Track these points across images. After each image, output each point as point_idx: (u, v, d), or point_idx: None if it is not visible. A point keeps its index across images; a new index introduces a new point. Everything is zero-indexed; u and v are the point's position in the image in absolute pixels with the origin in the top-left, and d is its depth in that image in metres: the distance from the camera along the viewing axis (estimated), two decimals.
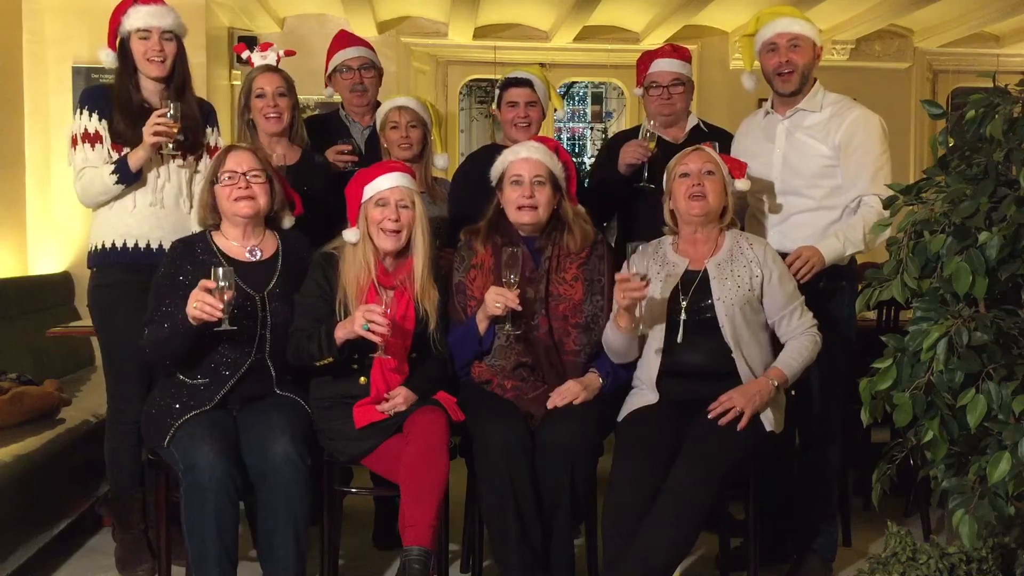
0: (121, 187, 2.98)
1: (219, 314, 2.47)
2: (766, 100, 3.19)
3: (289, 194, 2.94)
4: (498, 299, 2.69)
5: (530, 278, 2.87)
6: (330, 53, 3.70)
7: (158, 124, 2.87)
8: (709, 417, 2.64)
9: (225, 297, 2.47)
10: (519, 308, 2.69)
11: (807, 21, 3.05)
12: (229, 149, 2.82)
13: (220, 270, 2.48)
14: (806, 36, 3.01)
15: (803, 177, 3.00)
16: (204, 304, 2.46)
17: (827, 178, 2.98)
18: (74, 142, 3.04)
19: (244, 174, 2.75)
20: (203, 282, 2.49)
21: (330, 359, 2.67)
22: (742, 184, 2.89)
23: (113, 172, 2.95)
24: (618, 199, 3.42)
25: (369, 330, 2.56)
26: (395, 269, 2.84)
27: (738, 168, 2.90)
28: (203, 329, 2.55)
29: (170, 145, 2.93)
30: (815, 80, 3.06)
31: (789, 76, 3.00)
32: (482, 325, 2.80)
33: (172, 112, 2.89)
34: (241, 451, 2.66)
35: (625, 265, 2.83)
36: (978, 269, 1.77)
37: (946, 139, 1.98)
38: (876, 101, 3.12)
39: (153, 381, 2.96)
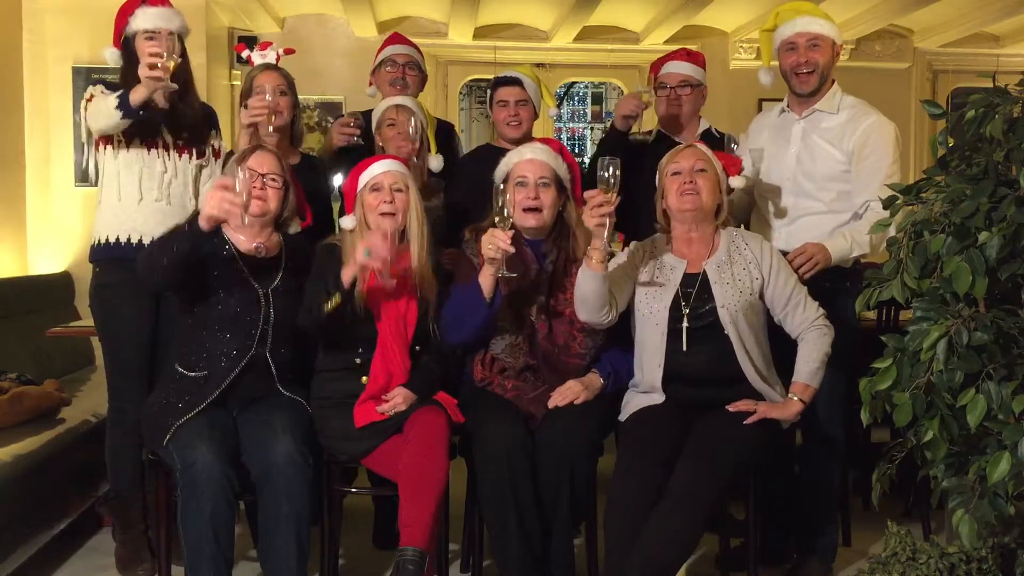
0: (125, 122, 2.89)
1: (238, 209, 2.47)
2: (766, 101, 3.18)
3: (302, 204, 2.95)
4: (491, 242, 2.64)
5: (534, 281, 2.86)
6: (380, 49, 3.74)
7: (151, 56, 2.76)
8: (731, 410, 2.66)
9: (244, 196, 2.49)
10: (512, 250, 2.64)
11: (827, 20, 3.02)
12: (255, 148, 2.83)
13: (238, 169, 2.50)
14: (826, 36, 2.99)
15: (815, 180, 2.99)
16: (224, 200, 2.45)
17: (839, 182, 2.97)
18: (91, 97, 3.01)
19: (262, 176, 2.77)
20: (220, 180, 2.48)
21: (338, 297, 2.65)
22: (737, 181, 2.88)
23: (118, 107, 2.85)
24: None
25: (371, 256, 2.57)
26: (395, 260, 2.85)
27: (733, 165, 2.88)
28: (206, 239, 2.57)
29: (167, 81, 2.80)
30: (833, 81, 3.05)
31: (808, 76, 2.98)
32: (485, 279, 2.72)
33: (166, 55, 2.77)
34: (242, 451, 2.66)
35: (628, 252, 2.88)
36: (978, 269, 1.77)
37: (946, 139, 1.98)
38: (876, 101, 3.10)
39: (154, 382, 2.96)
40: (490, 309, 2.74)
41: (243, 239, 2.82)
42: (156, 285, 2.72)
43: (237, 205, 2.46)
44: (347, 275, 2.66)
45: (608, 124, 3.38)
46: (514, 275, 2.73)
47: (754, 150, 3.13)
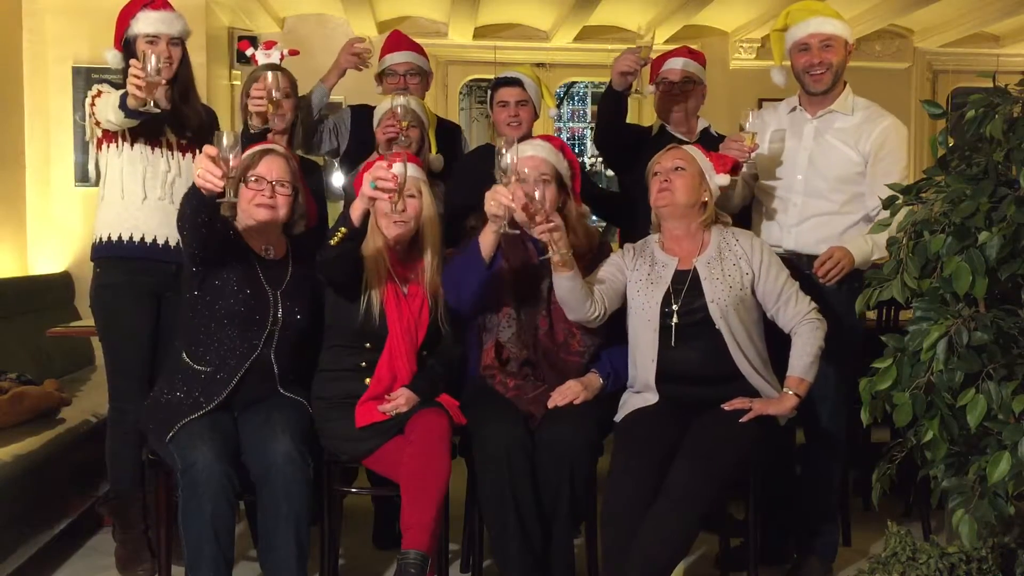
0: (130, 121, 2.89)
1: (220, 183, 2.34)
2: (767, 101, 3.17)
3: (309, 205, 2.94)
4: (493, 198, 2.61)
5: (535, 276, 2.87)
6: (381, 53, 3.72)
7: (133, 78, 2.70)
8: (726, 409, 2.66)
9: (231, 163, 2.36)
10: (514, 206, 2.62)
11: (839, 19, 3.01)
12: (265, 152, 2.79)
13: (225, 135, 2.37)
14: (839, 36, 2.98)
15: (828, 180, 2.97)
16: (206, 173, 2.34)
17: (851, 184, 2.96)
18: (98, 93, 2.99)
19: (271, 183, 2.74)
20: (207, 148, 2.38)
21: (343, 230, 2.61)
22: (721, 179, 2.88)
23: (120, 107, 2.84)
24: (616, 120, 3.37)
25: (377, 188, 2.52)
26: (409, 262, 2.85)
27: (722, 163, 2.88)
28: (212, 200, 2.45)
29: (152, 102, 2.74)
30: (845, 83, 3.04)
31: (822, 76, 2.97)
32: (486, 237, 2.72)
33: (152, 64, 2.69)
34: (242, 451, 2.66)
35: (620, 253, 2.90)
36: (978, 269, 1.77)
37: (946, 139, 1.98)
38: (876, 101, 3.11)
39: (154, 382, 2.96)
40: (489, 270, 2.74)
41: (255, 239, 2.81)
42: (191, 240, 2.60)
43: (218, 180, 2.34)
44: (356, 210, 2.60)
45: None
46: (516, 231, 2.72)
47: (776, 131, 3.08)
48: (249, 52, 3.36)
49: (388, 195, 2.55)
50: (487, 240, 2.72)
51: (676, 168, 2.80)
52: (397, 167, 2.59)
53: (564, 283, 2.67)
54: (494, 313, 2.89)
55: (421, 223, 2.83)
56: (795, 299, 2.78)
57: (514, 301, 2.87)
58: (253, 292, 2.71)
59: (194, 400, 2.66)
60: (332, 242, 2.63)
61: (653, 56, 3.39)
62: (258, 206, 2.73)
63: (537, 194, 2.63)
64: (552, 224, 2.57)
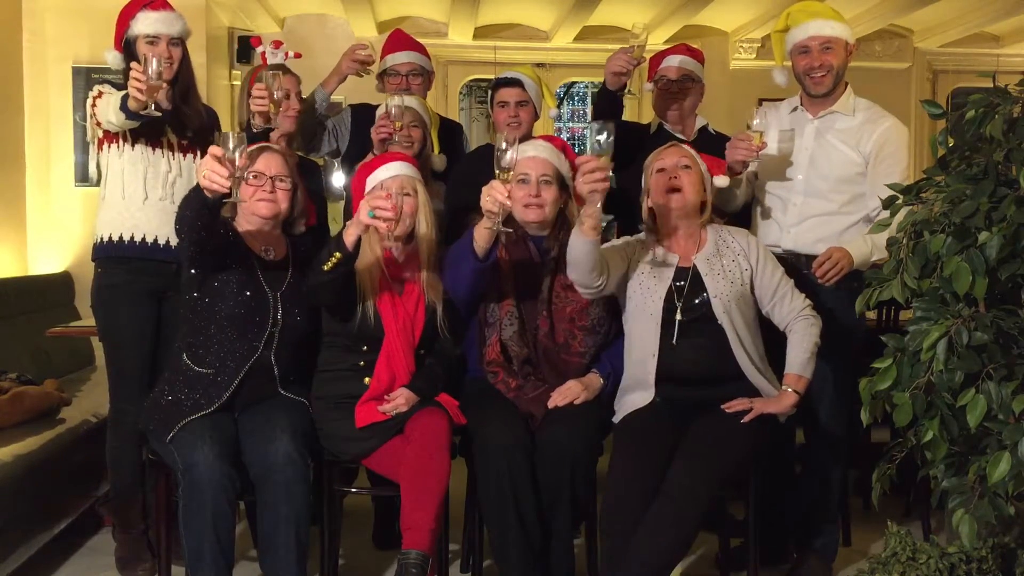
0: (131, 123, 2.88)
1: (226, 184, 2.35)
2: (767, 101, 3.17)
3: (308, 204, 2.94)
4: (489, 194, 2.58)
5: (537, 276, 2.87)
6: (383, 53, 3.71)
7: (134, 80, 2.69)
8: (727, 411, 2.66)
9: (237, 163, 2.37)
10: (509, 204, 2.60)
11: (839, 21, 3.01)
12: (262, 149, 2.79)
13: (230, 136, 2.38)
14: (839, 38, 2.97)
15: (828, 181, 2.97)
16: (212, 173, 2.35)
17: (852, 184, 2.96)
18: (99, 94, 2.99)
19: (271, 178, 2.75)
20: (212, 148, 2.38)
21: (337, 255, 2.59)
22: (720, 181, 2.88)
23: (121, 109, 2.84)
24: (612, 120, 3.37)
25: (375, 217, 2.51)
26: (404, 261, 2.85)
27: (717, 165, 2.88)
28: (216, 202, 2.45)
29: (152, 105, 2.74)
30: (846, 84, 3.03)
31: (823, 78, 2.96)
32: (480, 232, 2.69)
33: (153, 68, 2.67)
34: (242, 451, 2.66)
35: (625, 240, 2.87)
36: (978, 269, 1.77)
37: (946, 139, 1.98)
38: (876, 101, 3.11)
39: (155, 383, 2.96)
40: (483, 263, 2.72)
41: (255, 240, 2.80)
42: (189, 244, 2.60)
43: (224, 180, 2.34)
44: (350, 235, 2.59)
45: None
46: (509, 230, 2.72)
47: (785, 131, 3.05)
48: (260, 49, 3.38)
49: (386, 224, 2.54)
50: (481, 234, 2.70)
51: (684, 166, 2.80)
52: (390, 171, 2.57)
53: (584, 246, 2.58)
54: (496, 309, 2.88)
55: (417, 223, 2.82)
56: (790, 296, 2.78)
57: (515, 300, 2.87)
58: (253, 294, 2.71)
59: (194, 402, 2.66)
60: (325, 267, 2.61)
61: (648, 55, 3.39)
62: (259, 201, 2.74)
63: (606, 136, 2.47)
64: (605, 184, 2.47)
